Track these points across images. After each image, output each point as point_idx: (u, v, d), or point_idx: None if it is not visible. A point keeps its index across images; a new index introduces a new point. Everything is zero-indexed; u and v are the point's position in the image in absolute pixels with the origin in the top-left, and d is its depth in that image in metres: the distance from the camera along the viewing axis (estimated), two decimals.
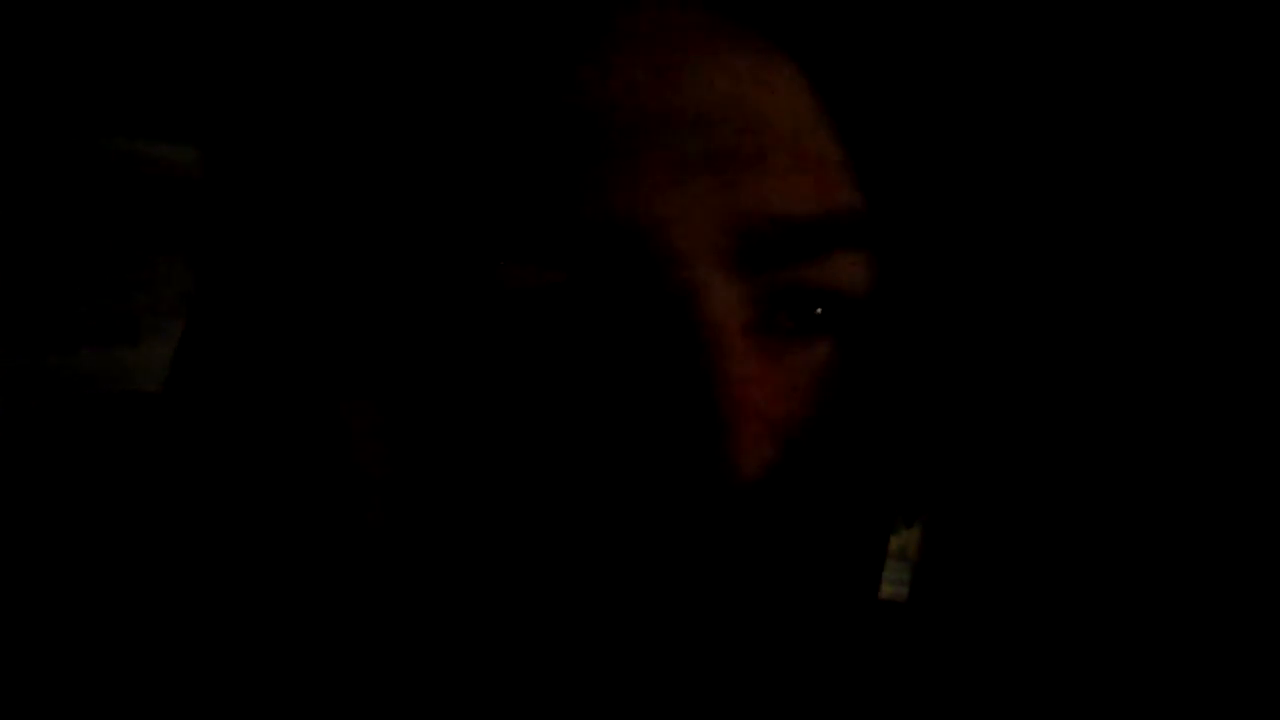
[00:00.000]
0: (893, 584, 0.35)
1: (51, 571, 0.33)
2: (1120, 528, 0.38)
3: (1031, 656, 0.38)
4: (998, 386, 0.37)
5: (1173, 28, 0.36)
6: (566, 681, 0.29)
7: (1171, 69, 0.36)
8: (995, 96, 0.34)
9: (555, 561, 0.28)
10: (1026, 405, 0.38)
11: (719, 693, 0.29)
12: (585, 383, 0.28)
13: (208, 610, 0.32)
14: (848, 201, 0.28)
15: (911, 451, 0.32)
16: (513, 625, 0.29)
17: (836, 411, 0.30)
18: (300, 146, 0.30)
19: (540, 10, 0.27)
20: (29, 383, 0.82)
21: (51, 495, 0.35)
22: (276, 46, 0.31)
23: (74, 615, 0.32)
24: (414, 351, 0.28)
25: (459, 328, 0.28)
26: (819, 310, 0.29)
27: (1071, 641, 0.38)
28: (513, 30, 0.27)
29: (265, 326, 0.31)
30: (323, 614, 0.31)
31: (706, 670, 0.29)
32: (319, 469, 0.30)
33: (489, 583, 0.29)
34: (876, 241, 0.29)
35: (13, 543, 0.34)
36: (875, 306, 0.30)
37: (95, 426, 0.36)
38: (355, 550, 0.30)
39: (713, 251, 0.27)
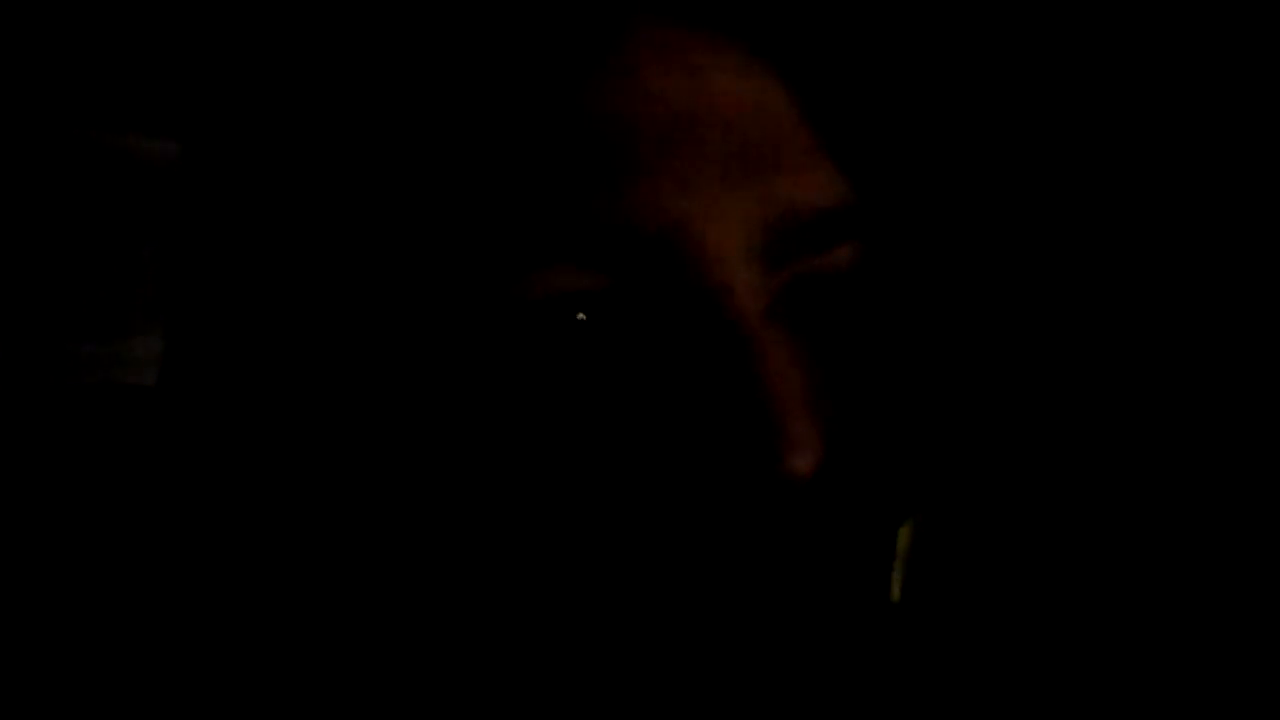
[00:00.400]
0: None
1: (44, 561, 0.33)
2: (1114, 527, 0.39)
3: (1023, 657, 0.38)
4: (987, 380, 0.37)
5: (1144, 23, 0.37)
6: (606, 682, 0.29)
7: (1139, 63, 0.37)
8: (960, 99, 0.35)
9: (598, 561, 0.28)
10: (1016, 400, 0.38)
11: (750, 692, 0.29)
12: (624, 383, 0.28)
13: (203, 608, 0.32)
14: (845, 193, 0.29)
15: (918, 444, 0.33)
16: (544, 630, 0.29)
17: (856, 401, 0.30)
18: (310, 148, 0.29)
19: (561, 18, 0.28)
20: (22, 374, 0.82)
21: (44, 485, 0.35)
22: (287, 44, 0.30)
23: (66, 606, 0.32)
24: (426, 357, 0.28)
25: (477, 334, 0.28)
26: (825, 302, 0.30)
27: (1063, 642, 0.38)
28: (538, 35, 0.28)
29: (265, 332, 0.31)
30: (326, 615, 0.31)
31: (747, 666, 0.29)
32: (321, 477, 0.30)
33: (517, 586, 0.29)
34: (868, 232, 0.30)
35: (5, 531, 0.34)
36: (871, 296, 0.31)
37: (88, 418, 0.36)
38: (371, 557, 0.30)
39: (743, 248, 0.28)
